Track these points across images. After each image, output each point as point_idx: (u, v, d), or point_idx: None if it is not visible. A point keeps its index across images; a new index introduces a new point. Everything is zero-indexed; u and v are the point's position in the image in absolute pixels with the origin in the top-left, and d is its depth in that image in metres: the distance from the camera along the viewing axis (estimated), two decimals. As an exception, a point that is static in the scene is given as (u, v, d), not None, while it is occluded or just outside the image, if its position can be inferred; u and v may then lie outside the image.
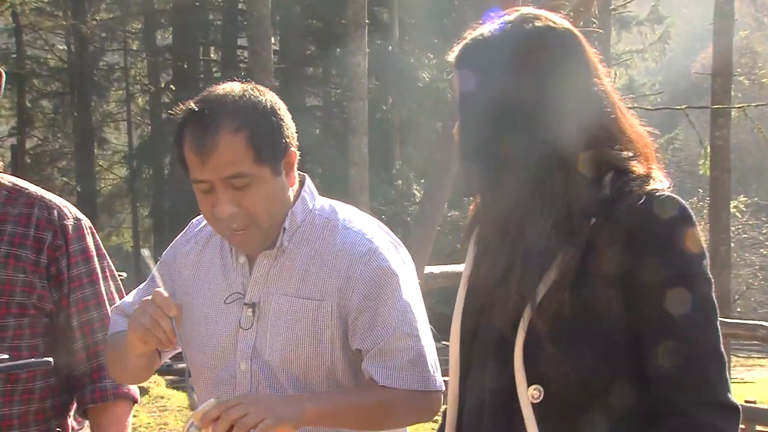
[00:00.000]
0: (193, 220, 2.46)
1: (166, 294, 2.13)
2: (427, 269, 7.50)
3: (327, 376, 2.21)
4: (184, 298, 2.32)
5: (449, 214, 20.43)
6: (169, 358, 2.54)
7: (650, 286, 1.76)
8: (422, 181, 22.14)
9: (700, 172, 14.20)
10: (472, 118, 1.90)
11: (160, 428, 7.76)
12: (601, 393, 1.80)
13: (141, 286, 2.47)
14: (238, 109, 2.13)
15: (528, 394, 1.82)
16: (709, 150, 14.07)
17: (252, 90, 2.19)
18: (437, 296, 12.66)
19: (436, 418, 2.30)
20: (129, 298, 2.48)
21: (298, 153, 2.25)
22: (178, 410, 8.25)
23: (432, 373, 2.23)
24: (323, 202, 2.32)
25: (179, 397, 8.51)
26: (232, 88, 2.19)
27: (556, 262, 1.80)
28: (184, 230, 2.46)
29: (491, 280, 1.89)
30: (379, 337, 2.18)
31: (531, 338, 1.81)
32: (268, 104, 2.18)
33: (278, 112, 2.19)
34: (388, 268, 2.21)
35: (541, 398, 1.82)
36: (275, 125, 2.17)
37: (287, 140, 2.20)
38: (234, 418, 1.96)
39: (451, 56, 1.94)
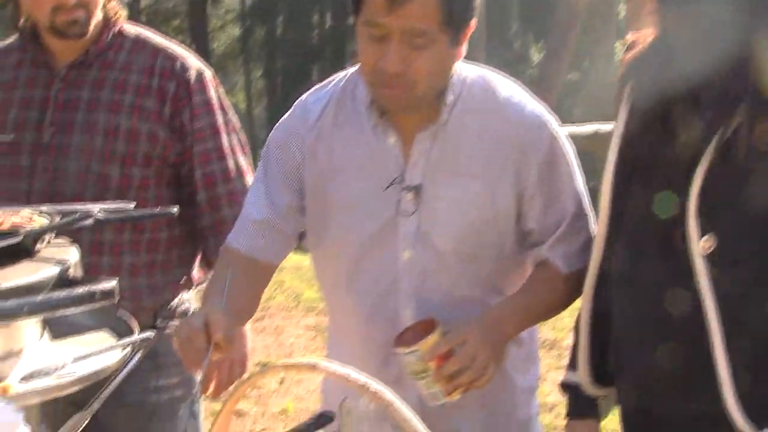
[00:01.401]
0: (305, 102, 2.25)
1: (220, 316, 1.96)
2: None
3: (497, 256, 2.15)
4: (321, 189, 2.19)
5: (568, 77, 20.06)
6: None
7: None
8: (540, 42, 21.72)
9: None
10: None
11: (276, 286, 7.95)
12: None
13: (256, 178, 2.28)
14: None
15: (700, 245, 1.81)
16: None
17: None
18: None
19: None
20: (250, 204, 2.26)
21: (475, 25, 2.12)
22: (294, 269, 8.44)
23: None
24: (472, 70, 2.18)
25: (294, 258, 8.68)
26: None
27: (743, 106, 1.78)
28: (296, 113, 2.24)
29: (676, 104, 1.86)
30: (559, 216, 2.13)
31: (708, 185, 1.80)
32: None
33: None
34: (562, 139, 2.14)
35: (713, 248, 1.81)
36: None
37: (473, 11, 2.08)
38: (468, 359, 1.96)
39: None
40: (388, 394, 1.32)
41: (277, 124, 2.27)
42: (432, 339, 1.98)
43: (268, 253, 2.22)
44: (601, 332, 2.09)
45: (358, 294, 2.19)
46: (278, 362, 1.39)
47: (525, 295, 2.17)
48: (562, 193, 2.14)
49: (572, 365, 2.18)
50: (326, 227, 2.20)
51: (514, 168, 2.10)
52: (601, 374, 2.12)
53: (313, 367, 1.37)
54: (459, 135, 2.12)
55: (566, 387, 2.21)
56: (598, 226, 2.06)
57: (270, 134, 2.27)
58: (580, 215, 2.16)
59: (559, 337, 6.42)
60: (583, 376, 2.13)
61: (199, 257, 2.81)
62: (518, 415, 2.29)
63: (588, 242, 2.16)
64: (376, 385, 1.33)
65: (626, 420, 2.13)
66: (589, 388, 2.14)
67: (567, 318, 6.87)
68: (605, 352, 2.09)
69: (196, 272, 2.81)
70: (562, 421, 5.10)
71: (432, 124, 2.12)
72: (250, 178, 2.73)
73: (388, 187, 2.13)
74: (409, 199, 2.12)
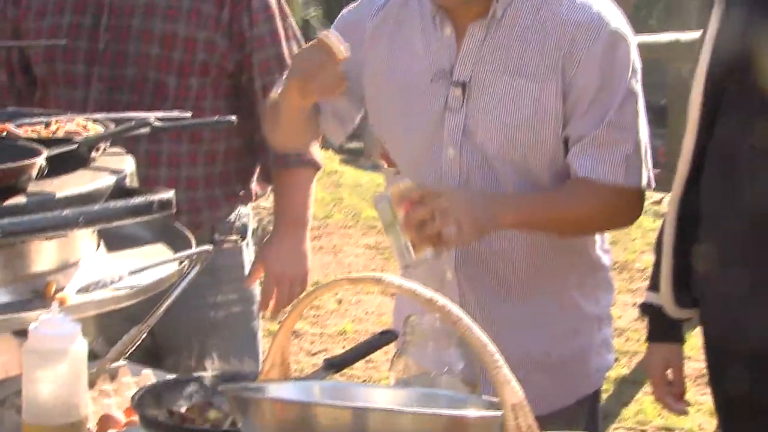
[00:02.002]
0: None
1: (334, 36, 1.99)
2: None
3: (548, 165, 2.13)
4: (378, 76, 2.22)
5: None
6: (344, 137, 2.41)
7: None
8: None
9: None
10: None
11: (335, 203, 7.98)
12: None
13: None
14: None
15: None
16: None
17: None
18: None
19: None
20: None
21: None
22: (352, 186, 8.45)
23: (646, 169, 2.14)
24: None
25: (353, 174, 8.72)
26: None
27: None
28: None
29: None
30: (596, 121, 2.08)
31: None
32: None
33: None
34: (619, 44, 2.09)
35: None
36: None
37: None
38: (438, 208, 1.91)
39: None
40: (456, 309, 1.32)
41: (347, 8, 2.31)
42: (404, 185, 1.95)
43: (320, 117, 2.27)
44: (684, 252, 2.07)
45: None
46: (342, 276, 1.39)
47: (538, 193, 2.14)
48: (608, 100, 2.09)
49: (653, 286, 2.16)
50: (382, 118, 2.24)
51: (563, 70, 2.07)
52: (684, 296, 2.10)
53: (378, 281, 1.36)
54: (513, 31, 2.10)
55: (646, 309, 2.20)
56: (685, 139, 2.02)
57: (339, 15, 2.31)
58: (621, 127, 2.10)
59: (630, 260, 6.38)
60: (665, 298, 2.11)
61: (257, 171, 2.81)
62: (578, 344, 2.27)
63: (628, 157, 2.10)
64: (443, 300, 1.33)
65: (710, 345, 2.12)
66: (672, 311, 2.12)
67: (639, 240, 6.83)
68: (689, 273, 2.07)
69: (255, 186, 2.82)
70: (632, 346, 5.14)
71: (486, 17, 2.10)
72: (310, 88, 2.72)
73: (433, 79, 2.14)
74: (457, 94, 2.12)
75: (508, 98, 2.10)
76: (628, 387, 4.87)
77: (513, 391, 1.28)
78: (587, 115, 2.09)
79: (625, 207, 2.16)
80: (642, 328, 5.21)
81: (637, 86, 2.13)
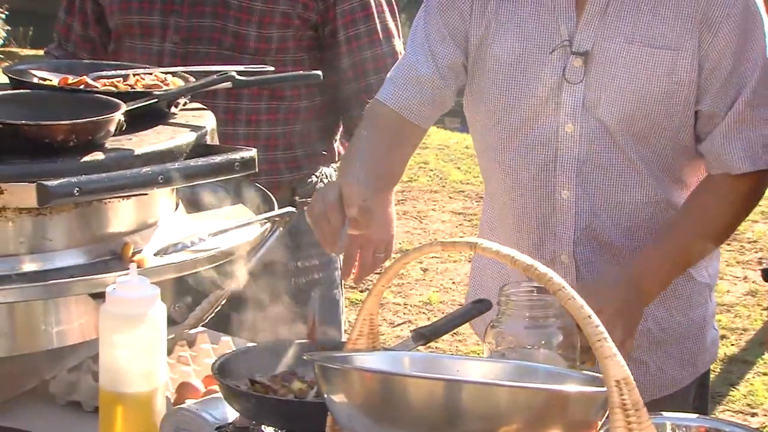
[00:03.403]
0: None
1: (355, 188, 1.94)
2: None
3: (671, 137, 2.10)
4: (481, 46, 2.17)
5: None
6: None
7: None
8: None
9: None
10: None
11: (420, 166, 7.99)
12: None
13: (415, 26, 2.24)
14: None
15: None
16: None
17: None
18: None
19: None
20: (410, 56, 2.25)
21: None
22: (439, 148, 8.44)
23: None
24: None
25: (440, 135, 8.69)
26: None
27: None
28: None
29: None
30: (733, 96, 2.05)
31: None
32: None
33: None
34: (758, 8, 2.05)
35: None
36: None
37: None
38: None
39: None
40: (558, 277, 1.32)
41: None
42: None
43: (421, 113, 2.22)
44: None
45: (514, 168, 2.19)
46: (435, 241, 1.40)
47: (678, 231, 2.09)
48: (748, 71, 2.05)
49: None
50: (485, 90, 2.19)
51: (698, 39, 2.04)
52: None
53: (473, 246, 1.37)
54: None
55: None
56: None
57: None
58: (764, 100, 2.06)
59: (740, 230, 6.28)
60: None
61: (341, 129, 2.83)
62: (694, 315, 2.26)
63: None
64: (543, 267, 1.33)
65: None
66: None
67: (750, 208, 6.72)
68: None
69: (338, 145, 2.84)
70: (741, 322, 5.08)
71: None
72: (398, 41, 2.72)
73: (554, 49, 2.10)
74: (577, 65, 2.09)
75: (636, 69, 2.06)
76: (737, 366, 4.82)
77: (618, 365, 1.28)
78: (724, 88, 2.06)
79: (761, 190, 2.14)
80: (752, 303, 5.19)
81: None
